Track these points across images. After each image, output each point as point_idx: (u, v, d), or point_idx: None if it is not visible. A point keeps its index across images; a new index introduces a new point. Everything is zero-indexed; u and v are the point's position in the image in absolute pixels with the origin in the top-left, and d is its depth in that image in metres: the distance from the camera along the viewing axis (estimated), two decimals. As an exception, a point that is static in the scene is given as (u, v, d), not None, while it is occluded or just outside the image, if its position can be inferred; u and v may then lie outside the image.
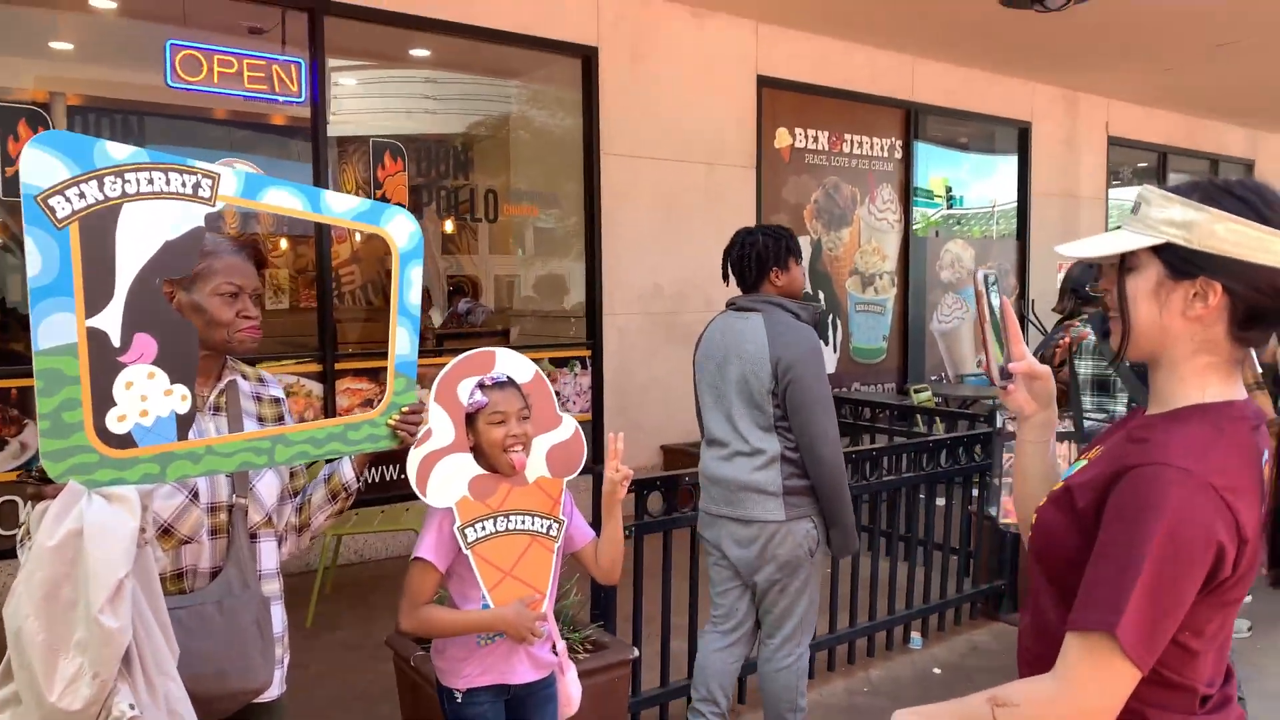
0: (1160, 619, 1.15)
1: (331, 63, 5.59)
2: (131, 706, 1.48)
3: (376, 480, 5.41)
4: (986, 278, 1.47)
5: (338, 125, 5.71)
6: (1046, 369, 1.45)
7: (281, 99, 5.38)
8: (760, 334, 3.00)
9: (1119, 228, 1.31)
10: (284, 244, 6.79)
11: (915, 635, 4.44)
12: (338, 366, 5.63)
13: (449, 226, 7.12)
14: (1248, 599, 3.40)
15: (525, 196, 7.19)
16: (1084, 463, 1.36)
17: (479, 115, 7.07)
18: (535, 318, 7.39)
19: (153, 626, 1.57)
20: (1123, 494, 1.19)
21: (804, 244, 7.83)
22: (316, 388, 5.43)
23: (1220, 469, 1.17)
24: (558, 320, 7.11)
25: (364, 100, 6.58)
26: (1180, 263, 1.22)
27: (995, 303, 1.49)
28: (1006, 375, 1.46)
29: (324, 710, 3.69)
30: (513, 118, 7.22)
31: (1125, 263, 1.27)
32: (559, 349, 6.66)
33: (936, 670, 4.14)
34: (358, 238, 6.81)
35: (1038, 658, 1.30)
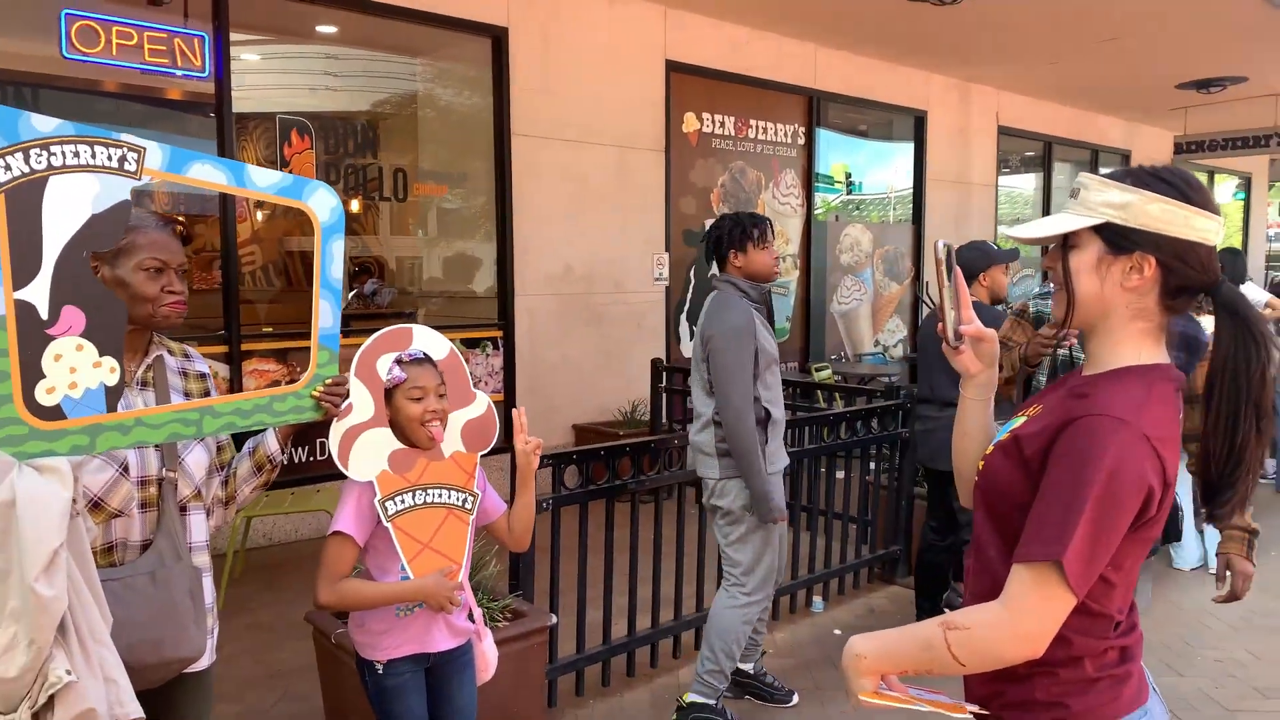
0: (1097, 552, 1.29)
1: (235, 36, 5.47)
2: (68, 672, 1.51)
3: (287, 462, 5.37)
4: (948, 247, 1.57)
5: (241, 101, 5.59)
6: (992, 331, 1.60)
7: (184, 73, 5.25)
8: (707, 308, 3.35)
9: (1062, 212, 1.46)
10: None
11: (817, 599, 4.66)
12: (244, 347, 5.55)
13: (355, 206, 7.05)
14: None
15: (434, 176, 7.16)
16: (1023, 418, 1.49)
17: (386, 93, 6.99)
18: (444, 298, 7.37)
19: (86, 595, 1.59)
20: (1067, 441, 1.33)
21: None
22: (223, 369, 5.34)
23: (1152, 422, 1.32)
24: (467, 301, 7.11)
25: (267, 76, 6.43)
26: (1119, 239, 1.38)
27: (949, 274, 1.60)
28: (959, 337, 1.59)
29: (241, 691, 3.69)
30: (420, 96, 7.16)
31: (1068, 241, 1.42)
32: (470, 329, 6.68)
33: (837, 631, 4.36)
34: (259, 217, 6.69)
35: (981, 597, 1.42)
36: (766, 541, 3.34)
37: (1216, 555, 2.55)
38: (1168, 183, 1.37)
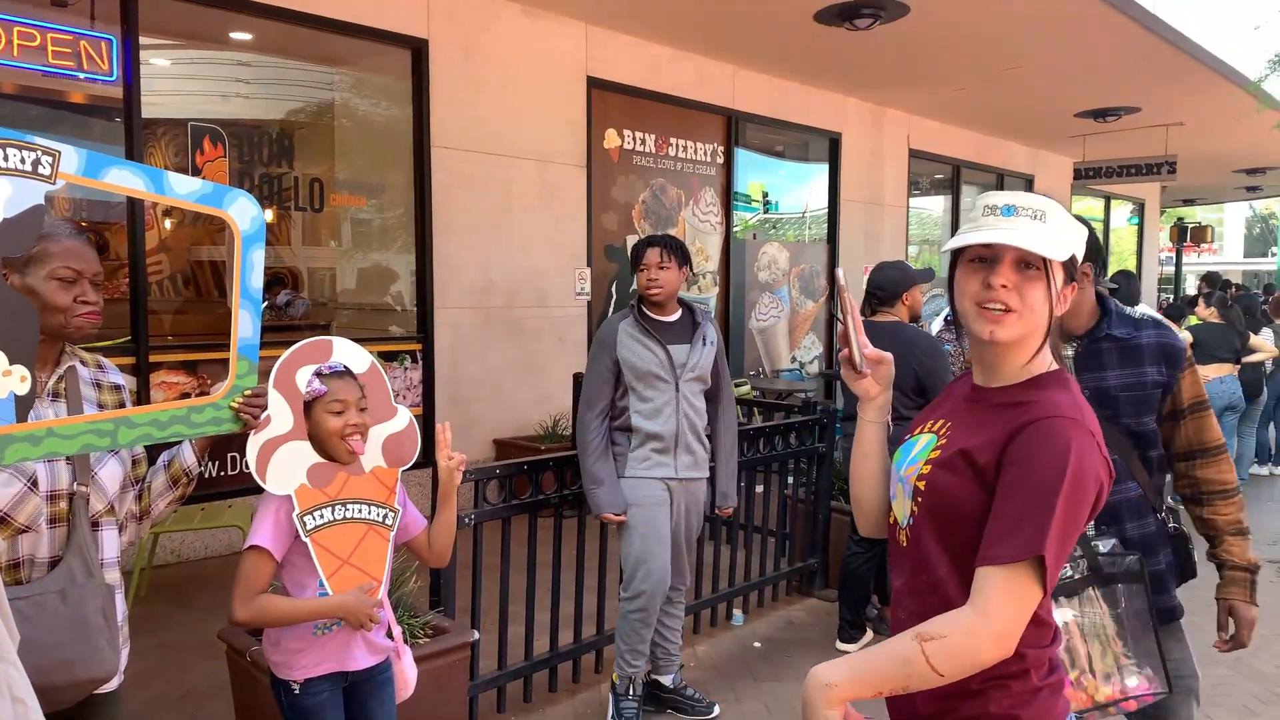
0: (1065, 549, 1.35)
1: (145, 40, 5.32)
2: (-25, 693, 1.44)
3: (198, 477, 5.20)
4: (844, 275, 1.63)
5: (151, 106, 5.43)
6: (890, 355, 1.65)
7: (90, 76, 5.08)
8: None
9: (1034, 231, 1.44)
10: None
11: (737, 612, 4.71)
12: (152, 359, 5.37)
13: (269, 216, 6.90)
14: None
15: (351, 186, 7.05)
16: (927, 435, 1.55)
17: (302, 102, 6.86)
18: (361, 310, 7.26)
19: (-9, 614, 1.53)
20: (1027, 443, 1.37)
21: (633, 242, 8.07)
22: (130, 381, 5.15)
23: (1091, 418, 1.41)
24: (385, 314, 7.02)
25: (178, 81, 6.26)
26: (1073, 268, 1.49)
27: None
28: (864, 361, 1.63)
29: (151, 712, 3.56)
30: (338, 106, 7.06)
31: (1049, 266, 1.44)
32: (388, 342, 6.59)
33: (757, 644, 4.42)
34: (167, 225, 6.49)
35: (919, 616, 1.42)
36: (638, 540, 3.42)
37: (1217, 600, 2.32)
38: (1076, 217, 1.52)
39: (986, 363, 1.52)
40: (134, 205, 5.34)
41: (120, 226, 5.49)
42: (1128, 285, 7.21)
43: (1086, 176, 12.98)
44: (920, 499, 1.48)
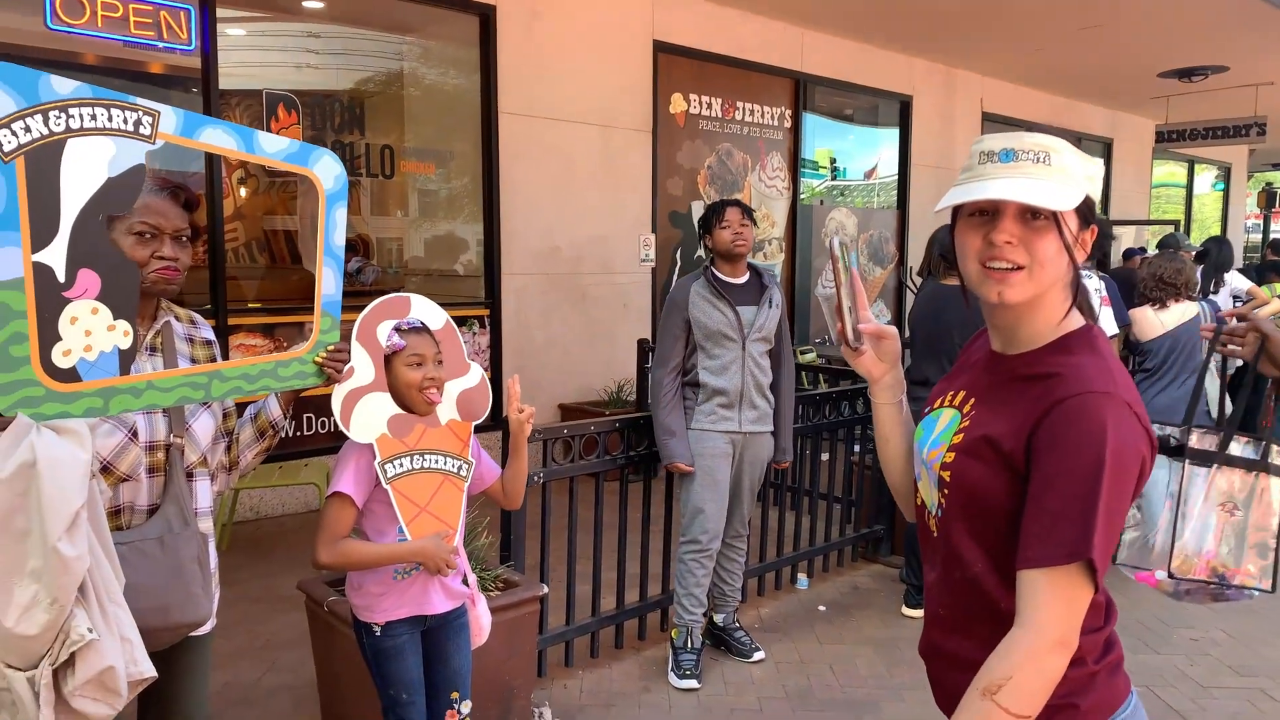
0: (1111, 538, 1.23)
1: (221, 12, 5.43)
2: (90, 630, 1.53)
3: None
4: (842, 245, 1.50)
5: (226, 77, 5.55)
6: (893, 329, 1.53)
7: (169, 46, 5.21)
8: None
9: (1035, 178, 1.29)
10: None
11: (802, 576, 4.73)
12: (230, 322, 5.55)
13: (343, 185, 7.00)
14: None
15: (420, 154, 7.13)
16: (949, 411, 1.43)
17: (371, 71, 6.95)
18: (429, 277, 7.37)
19: (101, 557, 1.62)
20: (1058, 426, 1.24)
21: (698, 208, 8.04)
22: (219, 349, 5.33)
23: (1124, 386, 1.27)
24: (453, 280, 7.11)
25: (252, 52, 6.38)
26: (1089, 212, 1.32)
27: (848, 270, 1.52)
28: (858, 337, 1.50)
29: (233, 660, 3.71)
30: (406, 74, 7.13)
31: (1059, 216, 1.28)
32: (457, 308, 6.68)
33: (821, 608, 4.43)
34: (242, 193, 6.65)
35: (975, 614, 1.35)
36: (697, 489, 3.60)
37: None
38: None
39: (1003, 328, 1.38)
40: (212, 175, 5.50)
41: (198, 196, 5.64)
42: (1219, 251, 6.95)
43: (1169, 140, 12.51)
44: (947, 490, 1.36)
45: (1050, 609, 1.22)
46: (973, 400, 1.39)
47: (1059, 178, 1.27)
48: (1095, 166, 1.33)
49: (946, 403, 1.45)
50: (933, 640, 1.46)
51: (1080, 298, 1.37)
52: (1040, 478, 1.24)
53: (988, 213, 1.32)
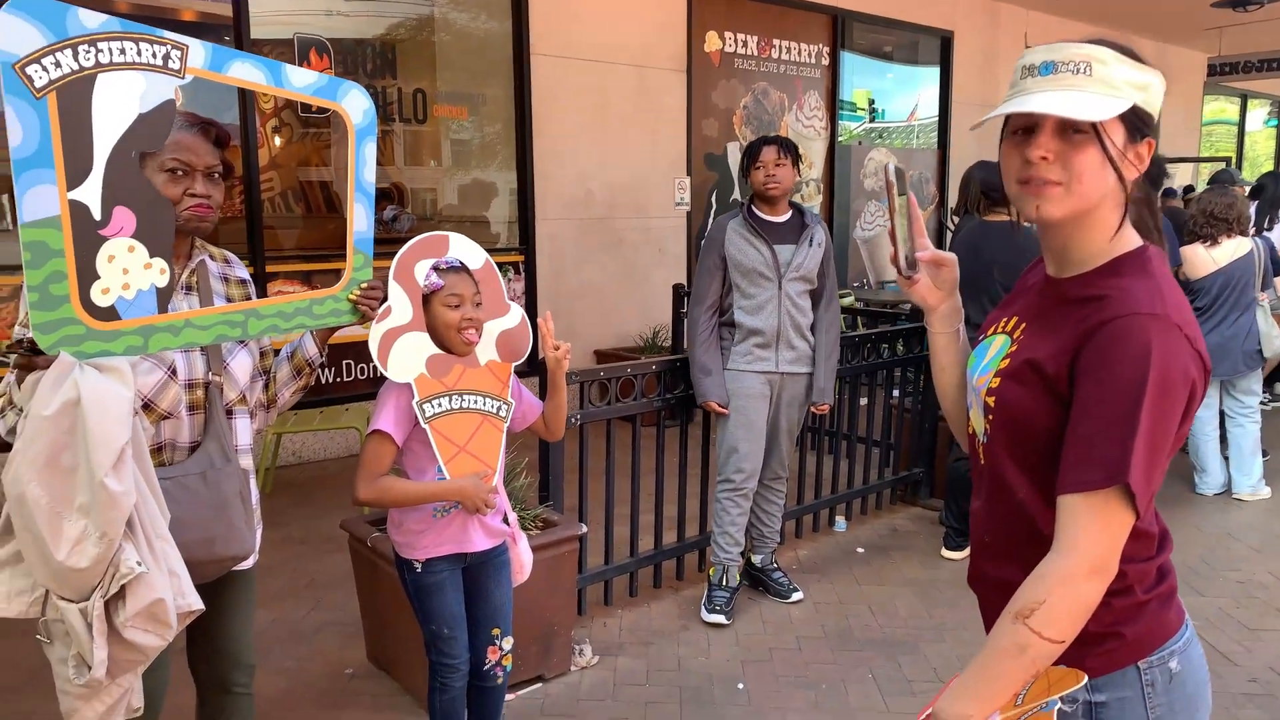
0: (1156, 463, 1.20)
1: (252, -45, 5.39)
2: (139, 563, 1.56)
3: (315, 383, 5.44)
4: (897, 170, 1.47)
5: (255, 26, 5.52)
6: (953, 256, 1.49)
7: (200, -9, 5.17)
8: None
9: (1075, 90, 1.24)
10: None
11: (840, 519, 4.72)
12: (268, 269, 5.59)
13: (375, 129, 6.97)
14: None
15: (453, 98, 7.07)
16: (1000, 337, 1.40)
17: (402, 15, 6.87)
18: (463, 223, 7.35)
19: (146, 492, 1.64)
20: (1102, 348, 1.21)
21: (734, 150, 7.92)
22: (254, 289, 5.38)
23: (1175, 307, 1.22)
24: (487, 225, 7.09)
25: (281, 1, 6.34)
26: (1139, 124, 1.26)
27: (901, 197, 1.49)
28: (912, 265, 1.47)
29: (278, 599, 3.79)
30: (436, 19, 7.04)
31: (1100, 128, 1.24)
32: (492, 254, 6.63)
33: (860, 550, 4.43)
34: (276, 142, 6.65)
35: (1016, 536, 1.35)
36: (732, 429, 3.61)
37: None
38: (1142, 58, 1.27)
39: (1054, 249, 1.35)
40: (246, 124, 5.49)
41: (234, 147, 5.65)
42: (1275, 187, 6.74)
43: (1221, 73, 12.09)
44: (992, 415, 1.34)
45: (1087, 533, 1.20)
46: (1023, 325, 1.37)
47: (1099, 89, 1.23)
48: (1148, 75, 1.26)
49: (999, 329, 1.42)
50: (981, 568, 1.45)
51: (1141, 215, 1.32)
52: (1081, 402, 1.22)
53: (1030, 130, 1.28)
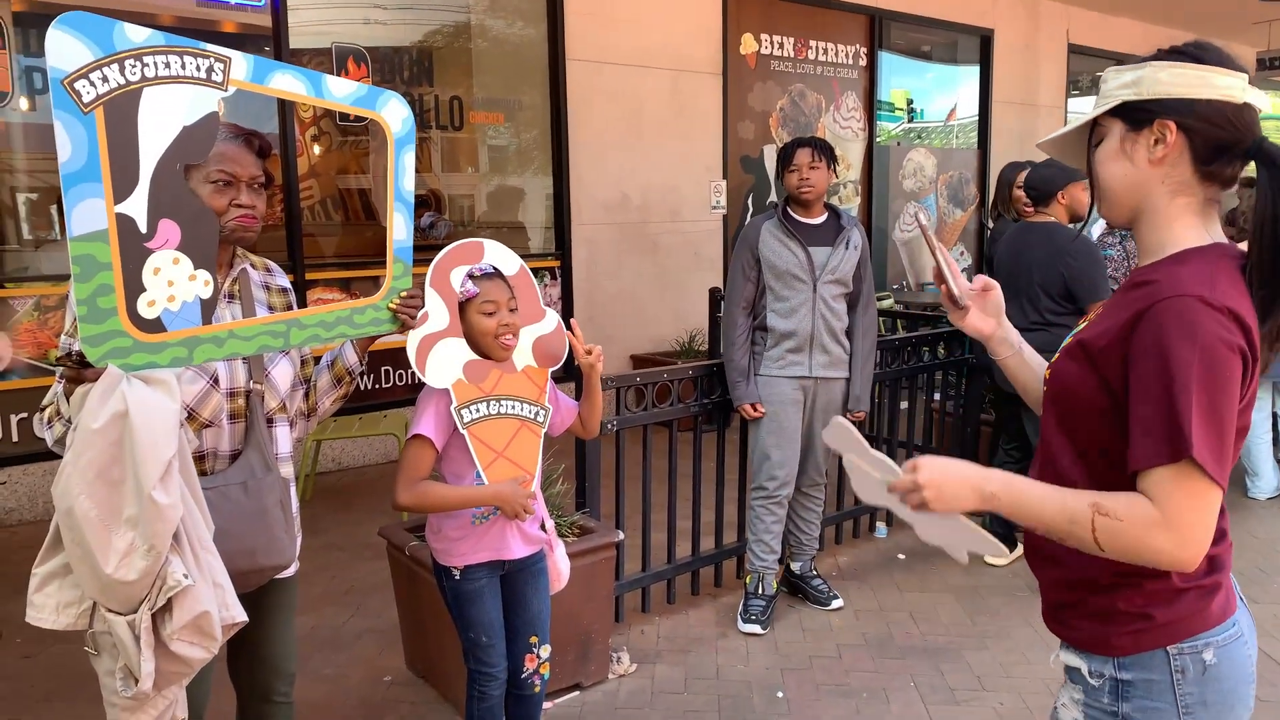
0: (1224, 434, 1.24)
1: (291, -34, 5.45)
2: (186, 576, 1.57)
3: (355, 390, 5.49)
4: (928, 218, 1.60)
5: (294, 36, 5.59)
6: (994, 281, 1.59)
7: (240, 3, 5.25)
8: None
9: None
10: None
11: (880, 525, 4.67)
12: (308, 277, 5.65)
13: (412, 137, 7.02)
14: None
15: (489, 104, 7.11)
16: (1084, 324, 1.48)
17: (437, 24, 6.92)
18: (499, 229, 7.38)
19: (192, 504, 1.65)
20: (1148, 330, 1.26)
21: (770, 152, 7.88)
22: (294, 297, 5.44)
23: (1225, 294, 1.26)
24: (524, 231, 7.12)
25: (319, 11, 6.41)
26: (1135, 113, 1.36)
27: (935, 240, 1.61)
28: (962, 297, 1.58)
29: (317, 605, 3.82)
30: (473, 25, 7.09)
31: (1093, 134, 1.41)
32: (528, 260, 6.65)
33: (901, 556, 4.38)
34: (315, 151, 6.73)
35: None
36: (764, 436, 3.60)
37: None
38: (1178, 50, 1.37)
39: (1138, 241, 1.45)
40: (286, 133, 5.55)
41: (274, 156, 5.72)
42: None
43: (1271, 68, 11.80)
44: (1046, 388, 1.44)
45: (1172, 500, 1.24)
46: (1099, 311, 1.45)
47: (1101, 102, 1.40)
48: (1136, 71, 1.37)
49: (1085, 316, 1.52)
50: (1033, 542, 1.48)
51: (1212, 212, 1.38)
52: (1137, 383, 1.28)
53: None
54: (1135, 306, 1.29)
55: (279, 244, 5.59)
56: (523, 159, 7.12)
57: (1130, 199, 1.39)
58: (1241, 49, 12.91)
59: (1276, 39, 11.66)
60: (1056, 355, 1.44)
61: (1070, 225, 3.99)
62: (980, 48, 9.70)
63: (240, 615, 1.71)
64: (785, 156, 3.59)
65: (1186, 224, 1.36)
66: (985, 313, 1.59)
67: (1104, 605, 1.38)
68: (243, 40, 5.62)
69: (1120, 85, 1.37)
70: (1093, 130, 1.43)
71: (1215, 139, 1.32)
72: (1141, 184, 1.37)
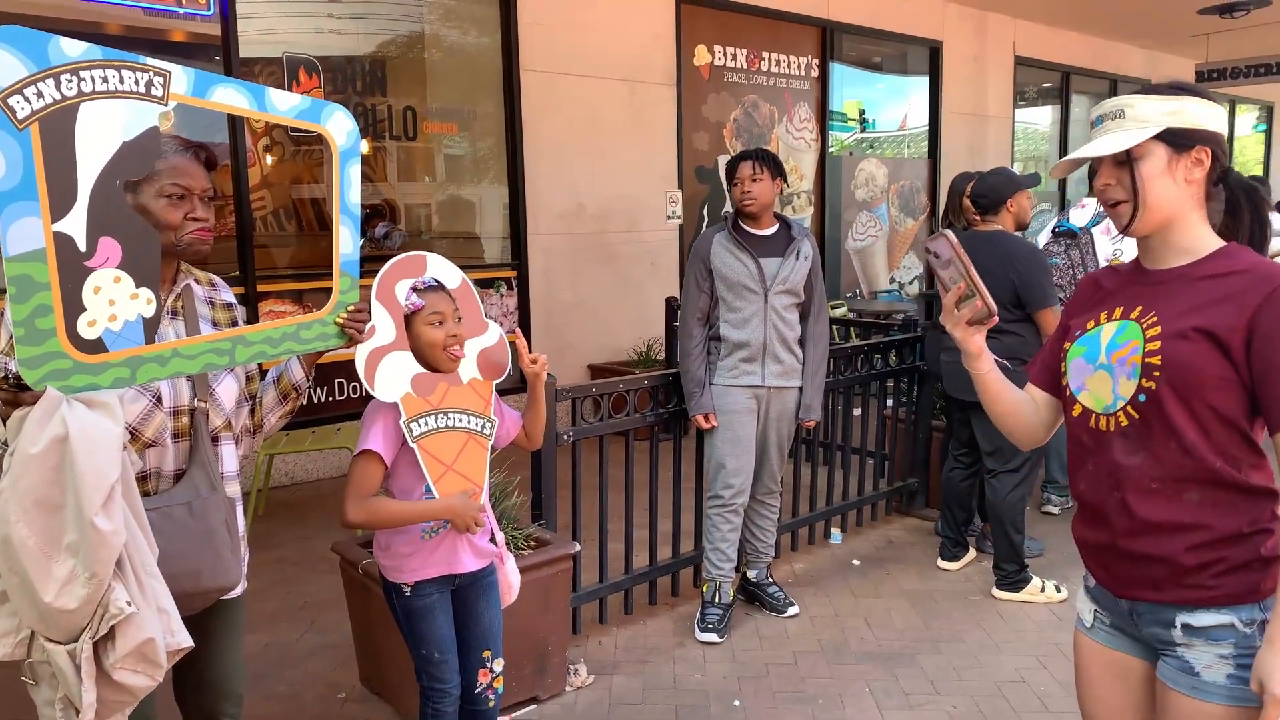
0: None
1: (239, -25, 5.39)
2: (129, 603, 1.54)
3: (308, 402, 5.42)
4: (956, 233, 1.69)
5: (245, 45, 5.52)
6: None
7: (188, 12, 5.18)
8: None
9: (1110, 134, 1.60)
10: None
11: (835, 531, 4.71)
12: (259, 288, 5.58)
13: (365, 147, 6.98)
14: None
15: (443, 114, 7.07)
16: (1112, 324, 1.62)
17: (390, 34, 6.87)
18: (455, 240, 7.34)
19: (135, 529, 1.62)
20: (1276, 310, 1.47)
21: (724, 163, 7.93)
22: (240, 312, 5.36)
23: None
24: (479, 241, 7.09)
25: (271, 19, 6.33)
26: (1180, 140, 1.58)
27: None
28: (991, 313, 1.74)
29: (273, 621, 3.77)
30: (427, 35, 7.05)
31: (1132, 155, 1.58)
32: (484, 270, 6.66)
33: (855, 562, 4.42)
34: (268, 161, 6.65)
35: (1167, 483, 1.55)
36: (719, 445, 3.62)
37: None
38: (1192, 89, 1.61)
39: (1153, 247, 1.64)
40: (237, 143, 5.48)
41: (225, 166, 5.64)
42: (1264, 192, 6.76)
43: (1210, 79, 12.14)
44: (1157, 373, 1.54)
45: None
46: (1140, 307, 1.60)
47: (1132, 125, 1.58)
48: (1179, 101, 1.58)
49: (1106, 319, 1.65)
50: (1151, 516, 1.57)
51: (1229, 217, 1.65)
52: (1275, 354, 1.46)
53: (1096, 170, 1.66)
54: (1253, 293, 1.49)
55: (230, 255, 5.51)
56: (478, 169, 7.09)
57: (1168, 210, 1.59)
58: (1181, 62, 13.27)
59: (1215, 51, 11.99)
60: (1156, 343, 1.55)
61: (1016, 234, 4.07)
62: (930, 59, 9.86)
63: (186, 640, 1.68)
64: (729, 171, 3.65)
65: (1208, 228, 1.62)
66: (977, 332, 1.80)
67: (1246, 556, 1.52)
68: (192, 49, 5.54)
69: (1164, 113, 1.57)
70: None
71: (1222, 162, 1.62)
72: (1179, 199, 1.59)
